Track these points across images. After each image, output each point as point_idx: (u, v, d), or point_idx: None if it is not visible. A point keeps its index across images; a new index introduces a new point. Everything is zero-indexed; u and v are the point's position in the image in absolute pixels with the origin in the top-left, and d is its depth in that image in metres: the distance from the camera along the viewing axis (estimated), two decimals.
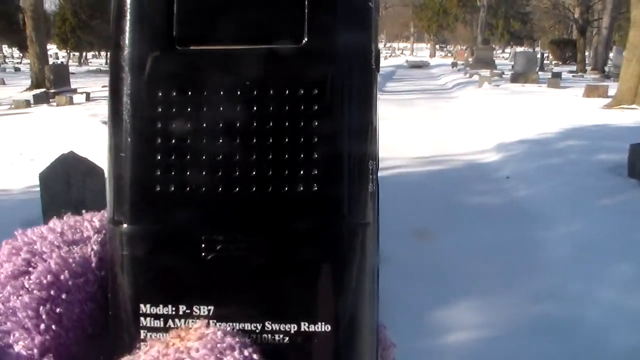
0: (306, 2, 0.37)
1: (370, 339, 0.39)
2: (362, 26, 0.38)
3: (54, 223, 0.43)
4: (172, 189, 0.37)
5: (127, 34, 0.38)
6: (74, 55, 54.11)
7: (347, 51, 0.38)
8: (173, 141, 0.37)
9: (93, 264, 0.41)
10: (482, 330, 4.24)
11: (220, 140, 0.37)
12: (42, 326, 0.38)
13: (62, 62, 39.49)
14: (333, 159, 0.37)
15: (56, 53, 57.24)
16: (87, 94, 19.55)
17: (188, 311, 0.38)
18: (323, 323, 0.38)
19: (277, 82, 0.37)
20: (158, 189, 0.38)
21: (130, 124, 0.38)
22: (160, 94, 0.38)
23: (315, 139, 0.37)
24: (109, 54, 0.40)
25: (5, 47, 73.24)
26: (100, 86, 22.33)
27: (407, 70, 41.29)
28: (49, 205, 5.63)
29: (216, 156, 0.37)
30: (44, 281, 0.39)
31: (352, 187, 0.38)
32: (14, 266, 0.40)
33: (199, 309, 0.38)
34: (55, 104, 18.04)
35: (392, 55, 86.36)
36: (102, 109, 15.08)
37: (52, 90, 20.65)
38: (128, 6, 0.38)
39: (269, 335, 0.38)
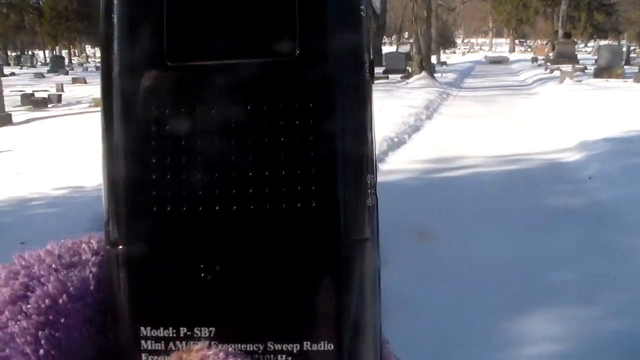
0: (297, 15, 0.37)
1: (374, 356, 0.39)
2: (355, 37, 0.38)
3: (52, 246, 0.43)
4: (169, 208, 0.38)
5: (116, 50, 0.38)
6: None
7: (340, 63, 0.37)
8: (168, 160, 0.37)
9: (91, 287, 0.40)
10: (557, 343, 4.02)
11: (216, 157, 0.37)
12: (41, 351, 0.38)
13: None
14: (330, 175, 0.37)
15: None
16: None
17: (189, 333, 0.38)
18: (326, 342, 0.38)
19: (270, 97, 0.37)
20: (154, 208, 0.38)
21: (122, 143, 0.38)
22: (152, 111, 0.38)
23: (311, 155, 0.37)
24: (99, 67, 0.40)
25: (88, 47, 75.51)
26: None
27: (485, 66, 40.60)
28: None
29: (212, 174, 0.37)
30: (42, 305, 0.39)
31: (349, 203, 0.38)
32: (12, 291, 0.40)
33: (200, 331, 0.38)
34: None
35: (470, 51, 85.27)
36: None
37: None
38: (117, 21, 0.38)
39: (272, 356, 0.38)
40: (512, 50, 79.62)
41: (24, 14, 61.82)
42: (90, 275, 0.41)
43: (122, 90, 0.38)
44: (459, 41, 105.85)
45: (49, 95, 20.49)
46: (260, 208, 0.37)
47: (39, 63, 59.27)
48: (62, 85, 24.45)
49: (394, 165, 9.13)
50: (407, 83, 23.40)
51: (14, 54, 68.91)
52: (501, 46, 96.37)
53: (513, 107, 16.28)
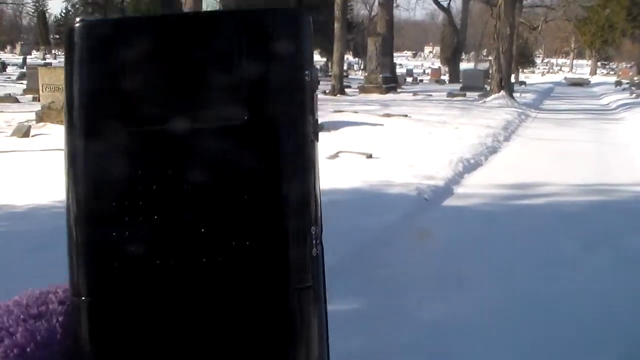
0: (244, 84, 0.40)
1: None
2: (299, 101, 0.40)
3: (20, 297, 0.44)
4: (128, 263, 0.40)
5: (79, 113, 0.40)
6: None
7: (286, 126, 0.40)
8: (126, 218, 0.40)
9: (58, 335, 0.42)
10: None
11: (170, 215, 0.40)
12: None
13: None
14: (274, 228, 0.40)
15: None
16: None
17: None
18: None
19: (220, 159, 0.40)
20: (115, 263, 0.40)
21: (84, 203, 0.40)
22: (112, 173, 0.40)
23: (257, 211, 0.39)
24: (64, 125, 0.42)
25: None
26: None
27: (565, 88, 39.44)
28: None
29: (166, 230, 0.40)
30: (11, 354, 0.41)
31: (292, 253, 0.40)
32: None
33: None
34: None
35: (549, 71, 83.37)
36: None
37: None
38: (80, 88, 0.41)
39: None
40: (593, 72, 77.53)
41: (108, 13, 63.43)
42: (57, 324, 0.42)
43: (84, 152, 0.40)
44: (538, 61, 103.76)
45: None
46: (211, 260, 0.39)
47: None
48: None
49: (470, 189, 8.67)
50: (484, 102, 22.81)
51: None
52: (582, 67, 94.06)
53: (596, 133, 15.55)
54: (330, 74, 34.77)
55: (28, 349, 0.41)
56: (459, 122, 15.54)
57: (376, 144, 11.70)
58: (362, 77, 35.58)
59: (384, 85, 26.57)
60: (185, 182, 0.40)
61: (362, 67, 55.38)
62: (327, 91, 25.85)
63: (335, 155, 10.56)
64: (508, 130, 15.39)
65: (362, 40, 51.36)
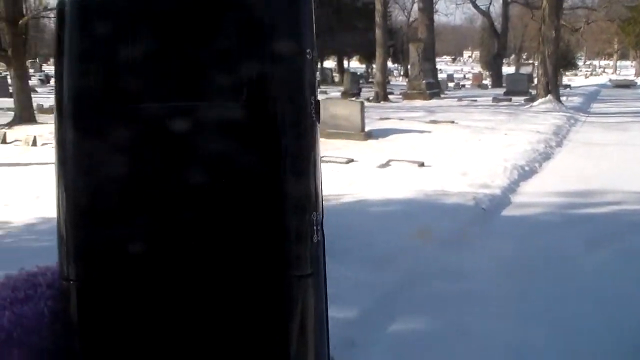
0: (245, 60, 0.39)
1: None
2: (300, 80, 0.40)
3: (7, 279, 0.43)
4: (119, 245, 0.39)
5: (70, 89, 0.39)
6: None
7: (285, 105, 0.39)
8: (117, 199, 0.39)
9: (46, 320, 0.41)
10: None
11: (164, 196, 0.39)
12: None
13: None
14: (273, 213, 0.39)
15: None
16: None
17: None
18: None
19: (219, 138, 0.39)
20: (105, 246, 0.39)
21: (74, 181, 0.39)
22: (104, 152, 0.39)
23: (256, 193, 0.38)
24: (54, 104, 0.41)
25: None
26: None
27: (611, 90, 38.57)
28: None
29: (161, 212, 0.38)
30: None
31: (291, 240, 0.39)
32: None
33: None
34: None
35: (592, 73, 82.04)
36: None
37: None
38: (71, 63, 0.39)
39: None
40: (638, 73, 76.01)
41: None
42: (45, 308, 0.41)
43: (75, 130, 0.39)
44: (580, 63, 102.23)
45: None
46: (204, 243, 0.38)
47: None
48: None
49: (528, 198, 8.43)
50: (531, 106, 22.38)
51: None
52: (626, 69, 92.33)
53: None
54: (371, 80, 34.61)
55: (15, 334, 0.40)
56: (507, 128, 15.24)
57: (426, 152, 11.52)
58: (403, 84, 35.38)
59: (427, 91, 26.33)
60: (181, 161, 0.38)
61: (401, 73, 55.08)
62: (371, 98, 25.69)
63: (387, 164, 10.40)
64: (559, 135, 15.04)
65: (401, 46, 51.11)
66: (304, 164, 0.39)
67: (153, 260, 0.38)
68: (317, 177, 0.40)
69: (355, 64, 65.34)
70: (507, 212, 7.80)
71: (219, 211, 0.38)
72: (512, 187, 8.94)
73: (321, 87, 35.03)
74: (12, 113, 18.09)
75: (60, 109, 0.39)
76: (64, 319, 0.40)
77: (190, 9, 0.39)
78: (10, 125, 16.63)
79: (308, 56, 0.40)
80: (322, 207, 0.41)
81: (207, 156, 0.38)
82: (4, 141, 14.07)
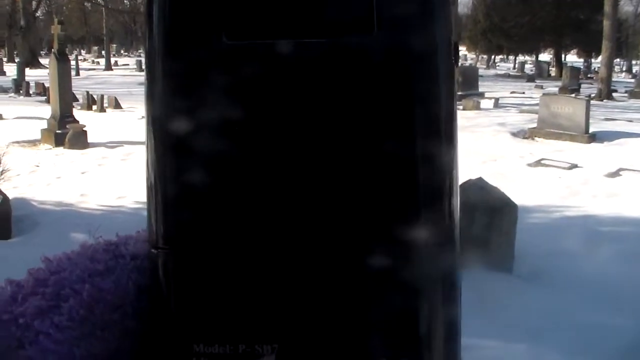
0: None
1: None
2: (438, 16, 0.38)
3: (83, 248, 0.41)
4: (222, 208, 0.37)
5: (167, 26, 0.37)
6: (482, 57, 54.07)
7: (422, 44, 0.37)
8: (212, 161, 0.37)
9: (131, 295, 0.40)
10: None
11: (278, 154, 0.37)
12: None
13: (470, 64, 39.43)
14: (408, 177, 0.37)
15: (465, 55, 57.89)
16: (496, 100, 18.45)
17: (249, 350, 0.38)
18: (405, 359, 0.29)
19: (344, 81, 0.37)
20: (206, 209, 0.37)
21: (168, 139, 0.38)
22: (205, 98, 0.37)
23: (390, 151, 0.37)
24: (143, 56, 0.37)
25: None
26: (509, 92, 21.16)
27: None
28: None
29: (275, 170, 0.37)
30: (76, 316, 0.39)
31: (429, 208, 0.38)
32: (42, 299, 0.38)
33: (262, 348, 0.38)
34: (461, 107, 17.22)
35: None
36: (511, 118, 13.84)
37: (459, 93, 20.10)
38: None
39: None
40: None
41: None
42: (130, 282, 0.38)
43: (166, 75, 0.36)
44: None
45: None
46: (327, 209, 0.36)
47: None
48: None
49: None
50: None
51: None
52: None
53: None
54: (590, 75, 32.11)
55: (97, 310, 0.36)
56: None
57: None
58: (627, 80, 32.50)
59: None
60: (298, 114, 0.34)
61: (623, 69, 50.96)
62: (593, 95, 23.60)
63: (617, 173, 9.06)
64: None
65: (627, 39, 47.26)
66: (448, 116, 0.36)
67: (252, 223, 0.36)
68: (454, 128, 0.35)
69: (572, 58, 61.66)
70: None
71: (340, 171, 0.36)
72: None
73: (536, 81, 33.04)
74: None
75: (154, 36, 0.37)
76: (153, 292, 0.36)
77: None
78: None
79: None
80: (457, 161, 0.34)
81: (334, 103, 0.36)
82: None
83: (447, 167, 0.42)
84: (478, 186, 4.74)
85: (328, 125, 0.41)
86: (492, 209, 4.65)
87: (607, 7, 24.16)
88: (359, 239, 0.41)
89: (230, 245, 0.42)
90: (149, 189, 0.46)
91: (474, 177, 4.93)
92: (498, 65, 55.17)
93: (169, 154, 0.44)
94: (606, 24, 24.23)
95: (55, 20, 12.77)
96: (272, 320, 0.43)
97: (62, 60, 11.60)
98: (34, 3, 40.49)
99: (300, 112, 0.40)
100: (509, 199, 4.78)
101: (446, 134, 0.43)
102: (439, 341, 0.46)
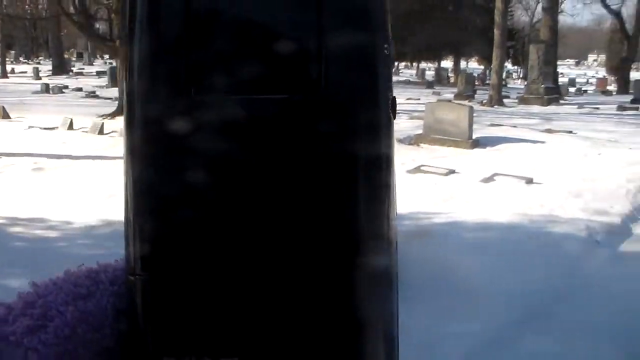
0: (322, 54, 0.41)
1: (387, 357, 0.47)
2: (378, 75, 0.42)
3: (67, 274, 0.45)
4: (190, 236, 0.41)
5: (141, 80, 0.42)
6: None
7: (362, 101, 0.41)
8: (185, 192, 0.41)
9: (110, 317, 0.43)
10: None
11: (234, 187, 0.41)
12: None
13: None
14: (351, 208, 0.42)
15: None
16: None
17: None
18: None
19: (292, 132, 0.41)
20: (177, 238, 0.40)
21: (144, 174, 0.41)
22: (175, 142, 0.40)
23: (332, 186, 0.41)
24: (123, 102, 0.42)
25: None
26: (404, 98, 21.58)
27: None
28: None
29: (233, 202, 0.41)
30: (62, 334, 0.42)
31: (369, 220, 0.44)
32: (31, 320, 0.42)
33: None
34: None
35: None
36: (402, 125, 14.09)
37: None
38: (145, 54, 0.41)
39: None
40: None
41: None
42: (109, 305, 0.42)
43: (145, 121, 0.40)
44: None
45: None
46: (281, 236, 0.41)
47: None
48: None
49: None
50: None
51: None
52: None
53: None
54: (487, 82, 33.17)
55: (79, 330, 0.40)
56: (633, 141, 13.74)
57: (537, 166, 10.38)
58: (522, 86, 33.73)
59: (545, 97, 24.72)
60: (253, 158, 0.40)
61: (520, 76, 52.88)
62: (484, 101, 24.40)
63: (491, 178, 9.40)
64: None
65: (522, 47, 49.02)
66: (385, 158, 0.40)
67: (225, 254, 0.39)
68: (392, 169, 0.38)
69: (474, 65, 63.46)
70: (627, 247, 6.61)
71: (295, 206, 0.39)
72: (635, 216, 7.71)
73: (435, 87, 33.89)
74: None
75: (131, 88, 0.41)
76: (130, 314, 0.39)
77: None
78: (113, 115, 16.60)
79: (386, 52, 0.39)
80: (395, 197, 0.38)
81: (284, 149, 0.39)
82: (100, 132, 13.95)
83: (385, 212, 0.50)
84: None
85: (277, 170, 0.49)
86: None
87: (498, 17, 25.09)
88: (309, 269, 0.48)
89: (199, 271, 0.49)
90: (127, 220, 0.52)
91: None
92: (401, 72, 56.24)
93: (145, 190, 0.50)
94: (497, 33, 25.14)
95: None
96: (234, 337, 0.49)
97: None
98: None
99: (255, 157, 0.47)
100: None
101: (384, 179, 0.51)
102: (380, 347, 0.54)
